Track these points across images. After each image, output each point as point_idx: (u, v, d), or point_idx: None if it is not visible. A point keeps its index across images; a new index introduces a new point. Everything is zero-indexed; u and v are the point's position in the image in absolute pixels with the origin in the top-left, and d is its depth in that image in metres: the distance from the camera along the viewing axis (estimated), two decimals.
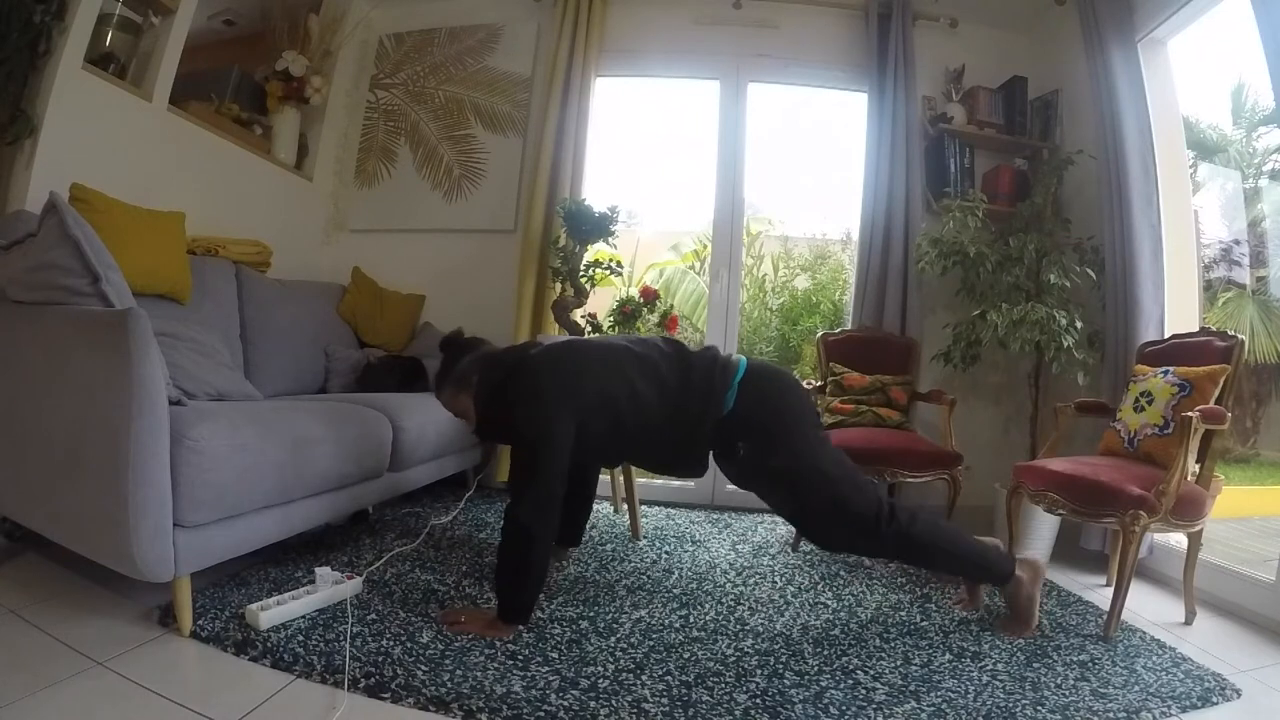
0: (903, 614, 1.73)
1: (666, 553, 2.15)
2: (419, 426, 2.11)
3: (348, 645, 1.33)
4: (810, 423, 1.60)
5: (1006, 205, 2.86)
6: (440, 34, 3.27)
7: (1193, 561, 1.83)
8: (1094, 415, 2.26)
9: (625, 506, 2.46)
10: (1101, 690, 1.37)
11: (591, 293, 2.69)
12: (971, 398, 2.93)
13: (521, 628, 1.48)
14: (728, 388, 1.53)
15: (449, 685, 1.22)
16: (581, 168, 2.95)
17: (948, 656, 1.49)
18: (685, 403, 1.54)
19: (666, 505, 2.82)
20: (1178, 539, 2.06)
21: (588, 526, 2.15)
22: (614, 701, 1.21)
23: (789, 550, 2.26)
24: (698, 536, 2.37)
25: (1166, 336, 2.23)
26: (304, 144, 3.11)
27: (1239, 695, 1.41)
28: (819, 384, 2.71)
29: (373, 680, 1.22)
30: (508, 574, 1.46)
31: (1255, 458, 4.56)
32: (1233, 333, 1.94)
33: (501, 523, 1.47)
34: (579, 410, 1.49)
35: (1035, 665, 1.47)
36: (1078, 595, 1.97)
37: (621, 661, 1.37)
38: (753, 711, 1.22)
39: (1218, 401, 1.82)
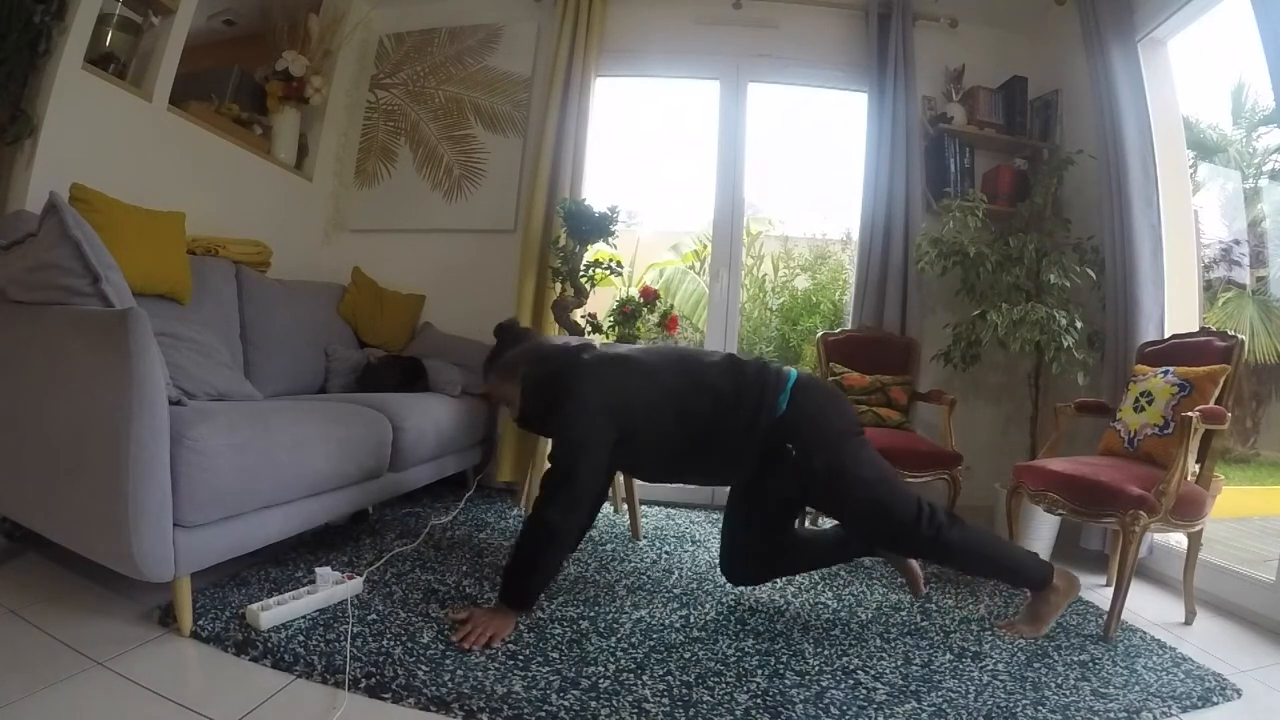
0: (903, 614, 1.73)
1: (666, 553, 2.15)
2: (419, 426, 2.11)
3: (348, 645, 1.33)
4: (853, 431, 1.63)
5: (1006, 205, 2.87)
6: (440, 34, 3.27)
7: (1193, 561, 1.83)
8: (1094, 415, 2.26)
9: (625, 506, 2.47)
10: (1102, 690, 1.37)
11: (591, 293, 2.69)
12: (971, 398, 2.93)
13: (521, 625, 1.48)
14: (781, 391, 1.56)
15: (449, 685, 1.22)
16: (581, 168, 2.95)
17: (948, 656, 1.49)
18: (739, 405, 1.56)
19: (666, 505, 2.82)
20: (1178, 539, 2.06)
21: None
22: (615, 701, 1.21)
23: None
24: (698, 536, 2.37)
25: (1166, 336, 2.23)
26: (304, 144, 3.10)
27: (1239, 695, 1.41)
28: None
29: (373, 680, 1.22)
30: (520, 565, 1.48)
31: (1255, 458, 4.57)
32: (1233, 333, 1.94)
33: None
34: (620, 422, 1.52)
35: (1036, 665, 1.47)
36: (1078, 595, 1.97)
37: (622, 661, 1.37)
38: (753, 711, 1.22)
39: (1218, 401, 1.82)
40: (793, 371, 1.63)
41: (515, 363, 1.68)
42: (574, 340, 1.82)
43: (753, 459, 1.59)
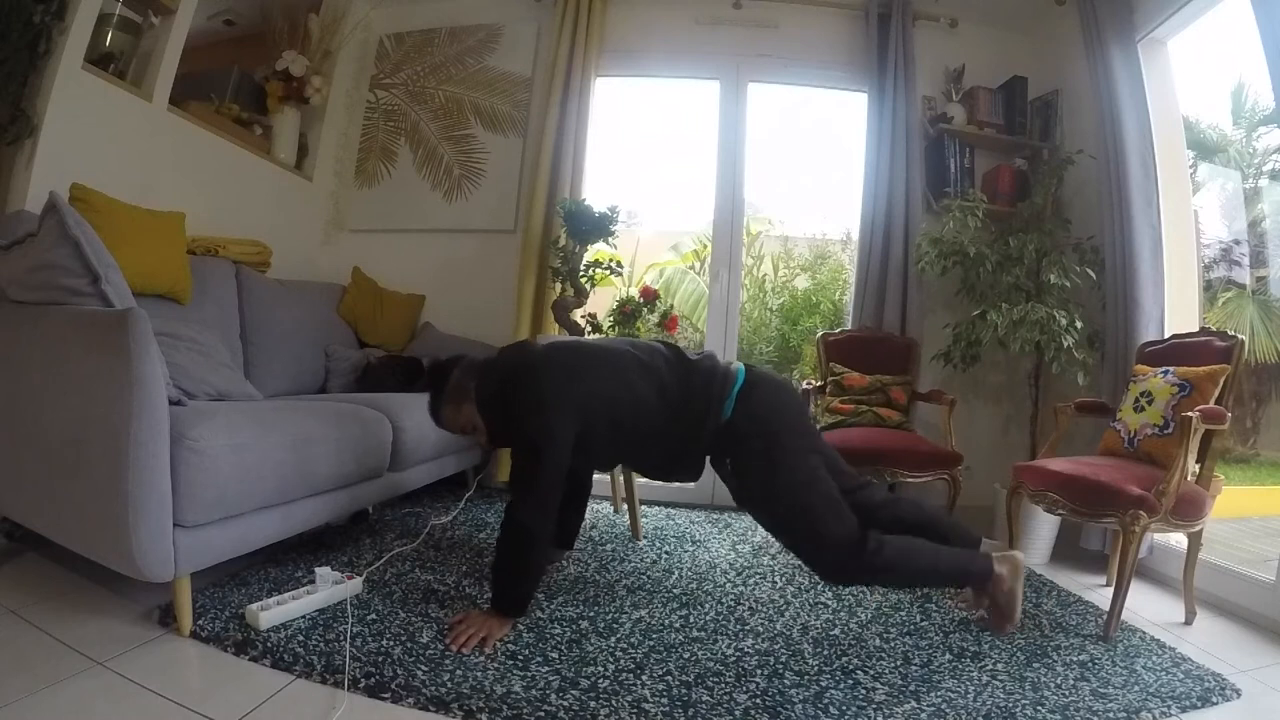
0: (903, 614, 1.73)
1: (666, 553, 2.15)
2: (419, 426, 2.10)
3: (348, 645, 1.33)
4: (800, 439, 1.55)
5: (1006, 205, 2.87)
6: (440, 34, 3.27)
7: (1193, 561, 1.83)
8: (1094, 415, 2.26)
9: (625, 506, 2.46)
10: (1101, 690, 1.37)
11: (591, 293, 2.69)
12: (971, 398, 2.93)
13: (521, 625, 1.48)
14: (727, 396, 1.53)
15: (449, 685, 1.22)
16: (581, 168, 2.95)
17: (948, 656, 1.49)
18: (686, 406, 1.53)
19: (666, 505, 2.81)
20: (1178, 539, 2.06)
21: (585, 527, 2.15)
22: (614, 701, 1.21)
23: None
24: (698, 536, 2.37)
25: (1166, 336, 2.23)
26: (304, 144, 3.11)
27: (1239, 695, 1.41)
28: (819, 384, 2.71)
29: (373, 680, 1.22)
30: (505, 570, 1.47)
31: (1255, 458, 4.56)
32: (1233, 333, 1.94)
33: (502, 520, 1.48)
34: (579, 409, 1.48)
35: (1035, 665, 1.47)
36: (1078, 595, 1.97)
37: (621, 661, 1.37)
38: (753, 711, 1.22)
39: (1218, 401, 1.82)
40: (740, 371, 1.57)
41: (461, 383, 1.61)
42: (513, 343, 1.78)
43: (698, 464, 1.58)
